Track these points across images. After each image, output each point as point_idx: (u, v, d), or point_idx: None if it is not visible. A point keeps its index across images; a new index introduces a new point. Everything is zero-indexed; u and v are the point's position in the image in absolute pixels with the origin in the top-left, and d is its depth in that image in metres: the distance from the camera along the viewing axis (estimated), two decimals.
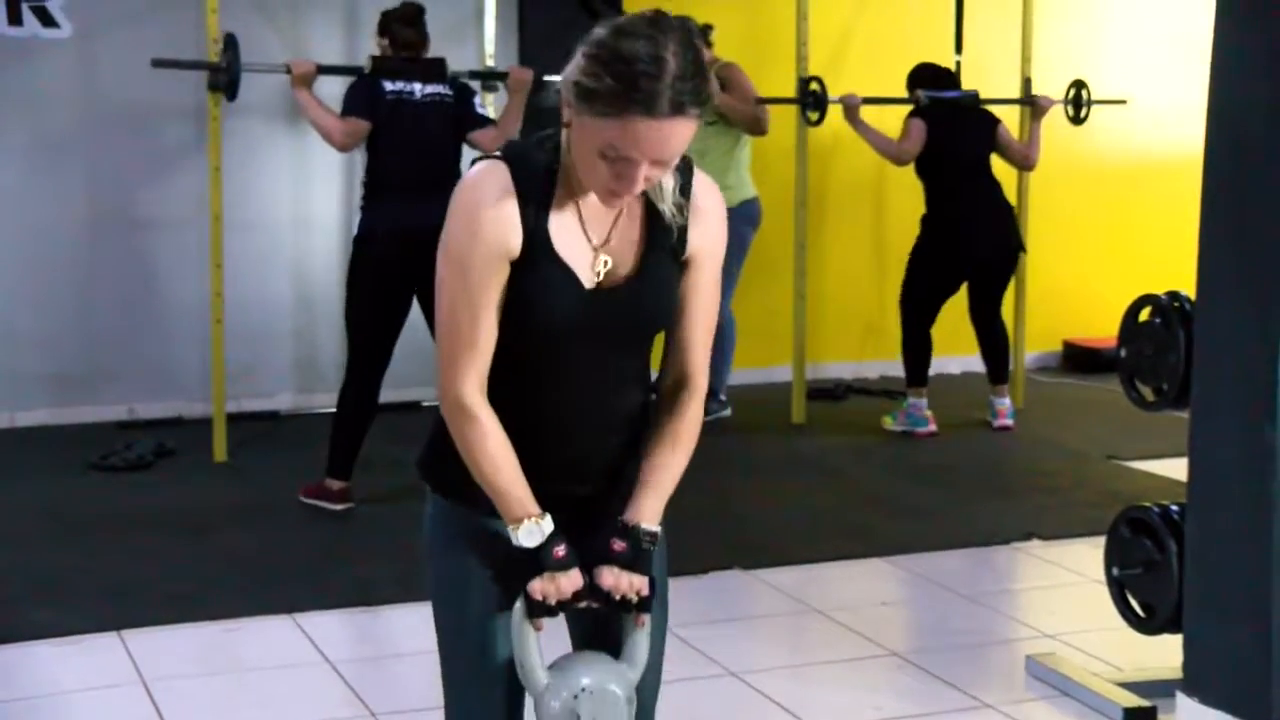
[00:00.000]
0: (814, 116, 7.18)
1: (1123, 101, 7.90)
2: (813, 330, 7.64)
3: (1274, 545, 3.54)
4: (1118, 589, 4.02)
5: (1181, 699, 3.76)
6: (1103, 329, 7.91)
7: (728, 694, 4.02)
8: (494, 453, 2.30)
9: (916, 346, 7.02)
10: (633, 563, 2.33)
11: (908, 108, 7.04)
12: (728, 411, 7.16)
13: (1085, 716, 3.89)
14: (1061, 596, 4.89)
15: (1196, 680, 3.74)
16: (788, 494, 6.02)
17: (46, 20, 6.83)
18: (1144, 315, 3.93)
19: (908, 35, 8.19)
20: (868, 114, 7.04)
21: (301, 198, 7.32)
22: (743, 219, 7.03)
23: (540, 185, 2.28)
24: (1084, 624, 4.48)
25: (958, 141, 6.96)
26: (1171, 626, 3.85)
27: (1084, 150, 8.44)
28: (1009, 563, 5.29)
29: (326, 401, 6.16)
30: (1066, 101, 7.58)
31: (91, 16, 6.86)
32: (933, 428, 7.00)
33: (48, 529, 5.39)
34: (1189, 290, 3.81)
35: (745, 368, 7.68)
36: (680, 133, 2.18)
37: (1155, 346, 3.86)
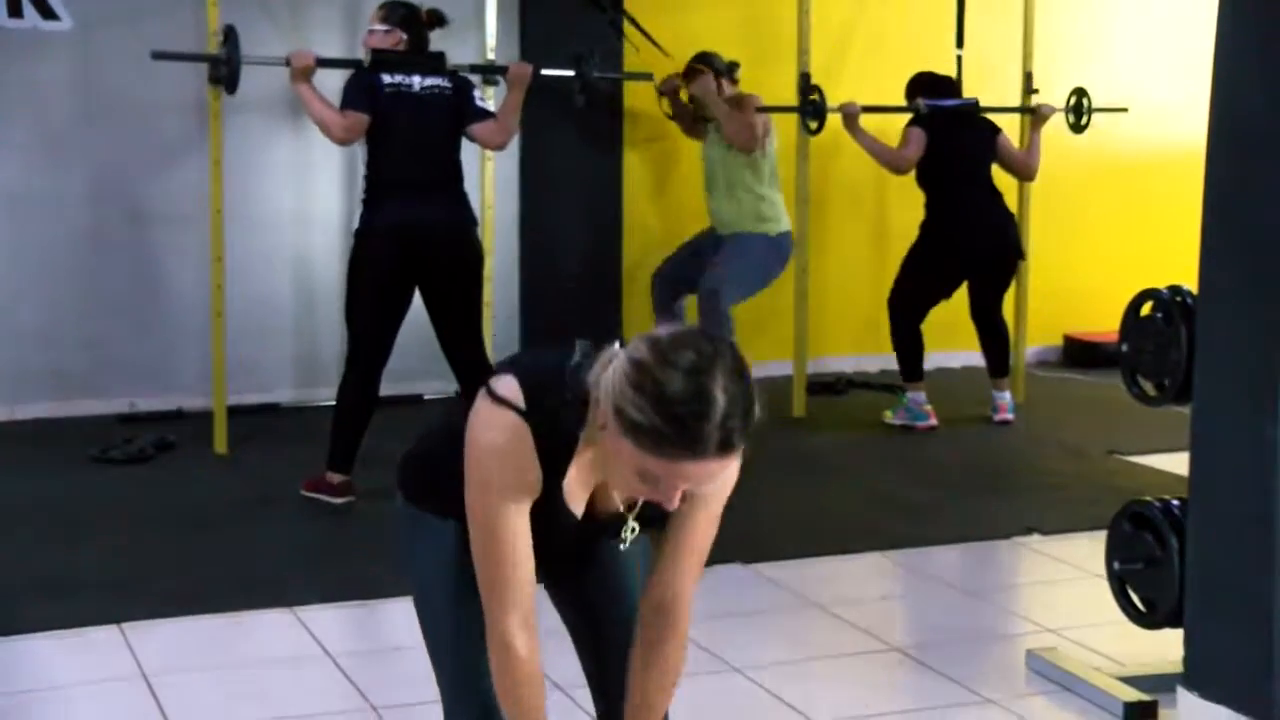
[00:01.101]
0: (813, 125, 7.18)
1: (1124, 109, 7.90)
2: (813, 324, 7.64)
3: (1275, 540, 3.54)
4: (1119, 584, 4.02)
5: (1182, 694, 3.76)
6: (1103, 323, 7.90)
7: (729, 689, 4.01)
8: (524, 696, 2.32)
9: (907, 343, 7.02)
10: None
11: (907, 115, 7.05)
12: None
13: (1086, 711, 3.88)
14: (1062, 591, 4.89)
15: (1198, 675, 3.74)
16: (788, 489, 6.02)
17: (47, 13, 6.82)
18: (1146, 310, 3.93)
19: (910, 31, 8.19)
20: (867, 121, 7.03)
21: (302, 192, 7.32)
22: (777, 252, 6.96)
23: (562, 451, 2.28)
24: (1085, 619, 4.47)
25: (958, 150, 6.96)
26: (1173, 621, 3.85)
27: (1085, 145, 8.38)
28: (1010, 558, 5.29)
29: (327, 395, 6.16)
30: (1067, 110, 7.58)
31: (92, 9, 6.86)
32: (933, 422, 7.00)
33: (48, 522, 5.39)
34: (1191, 285, 3.81)
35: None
36: (726, 466, 2.16)
37: (1157, 341, 3.86)
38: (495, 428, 2.24)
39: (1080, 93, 7.57)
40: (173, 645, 4.28)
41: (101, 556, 5.02)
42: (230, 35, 6.05)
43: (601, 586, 2.53)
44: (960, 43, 7.79)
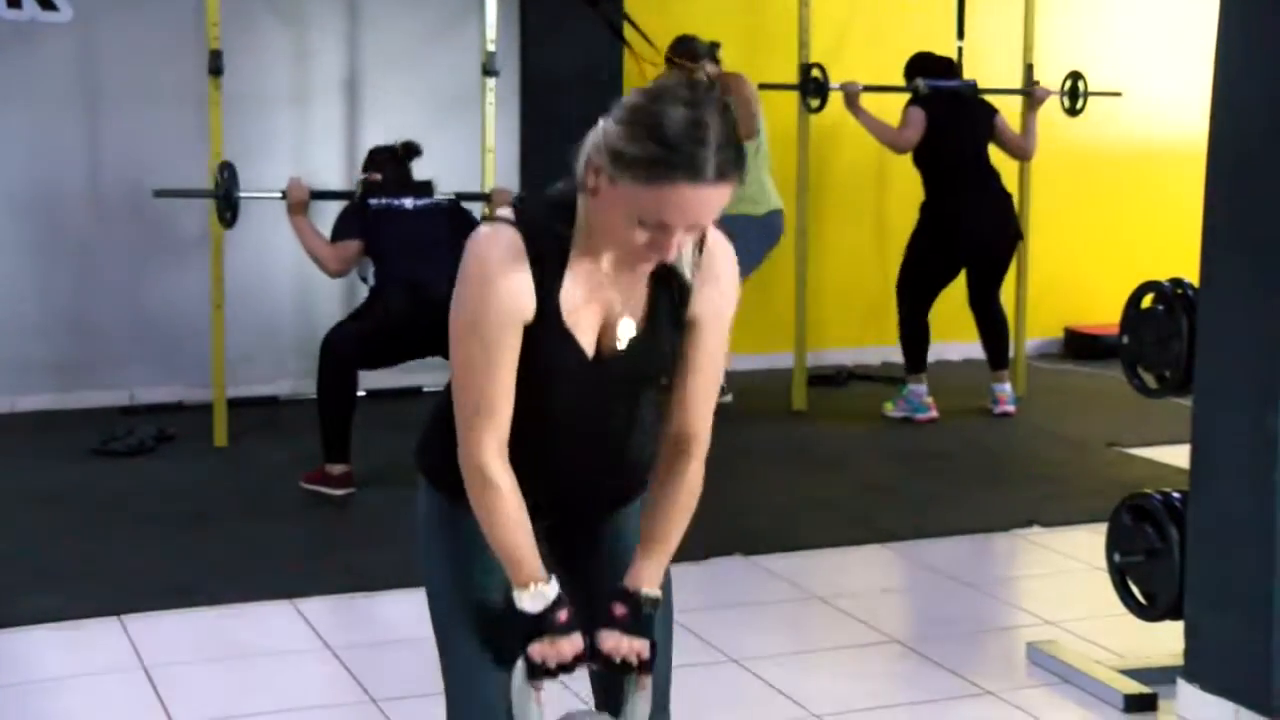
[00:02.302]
0: (815, 103, 7.16)
1: (1118, 94, 7.88)
2: (814, 316, 7.64)
3: (1276, 533, 3.54)
4: (1119, 576, 4.02)
5: (1182, 686, 3.77)
6: (1104, 315, 7.92)
7: (729, 680, 4.02)
8: (508, 518, 2.30)
9: (914, 333, 7.01)
10: (633, 627, 2.35)
11: (907, 96, 7.04)
12: (729, 398, 7.15)
13: (1086, 703, 3.88)
14: (1062, 584, 4.89)
15: (1197, 667, 3.75)
16: (788, 480, 6.02)
17: (46, 4, 6.81)
18: (1147, 302, 3.93)
19: (910, 21, 8.18)
20: (868, 101, 7.03)
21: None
22: (765, 231, 6.99)
23: (554, 254, 2.26)
24: (1085, 611, 4.47)
25: (956, 130, 6.95)
26: (1173, 614, 3.86)
27: (1084, 137, 8.42)
28: (1010, 550, 5.29)
29: None
30: (1063, 93, 7.56)
31: (97, 3, 6.84)
32: (933, 414, 7.00)
33: (49, 514, 5.39)
34: (1191, 277, 3.81)
35: (746, 354, 7.67)
36: (721, 198, 2.17)
37: (1158, 333, 3.86)
38: (484, 239, 2.26)
39: (1076, 76, 7.54)
40: (172, 637, 4.29)
41: (101, 548, 5.02)
42: (227, 169, 6.05)
43: (601, 576, 2.51)
44: (961, 34, 7.78)
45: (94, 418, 6.76)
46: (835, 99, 7.08)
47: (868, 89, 7.02)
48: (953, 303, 7.16)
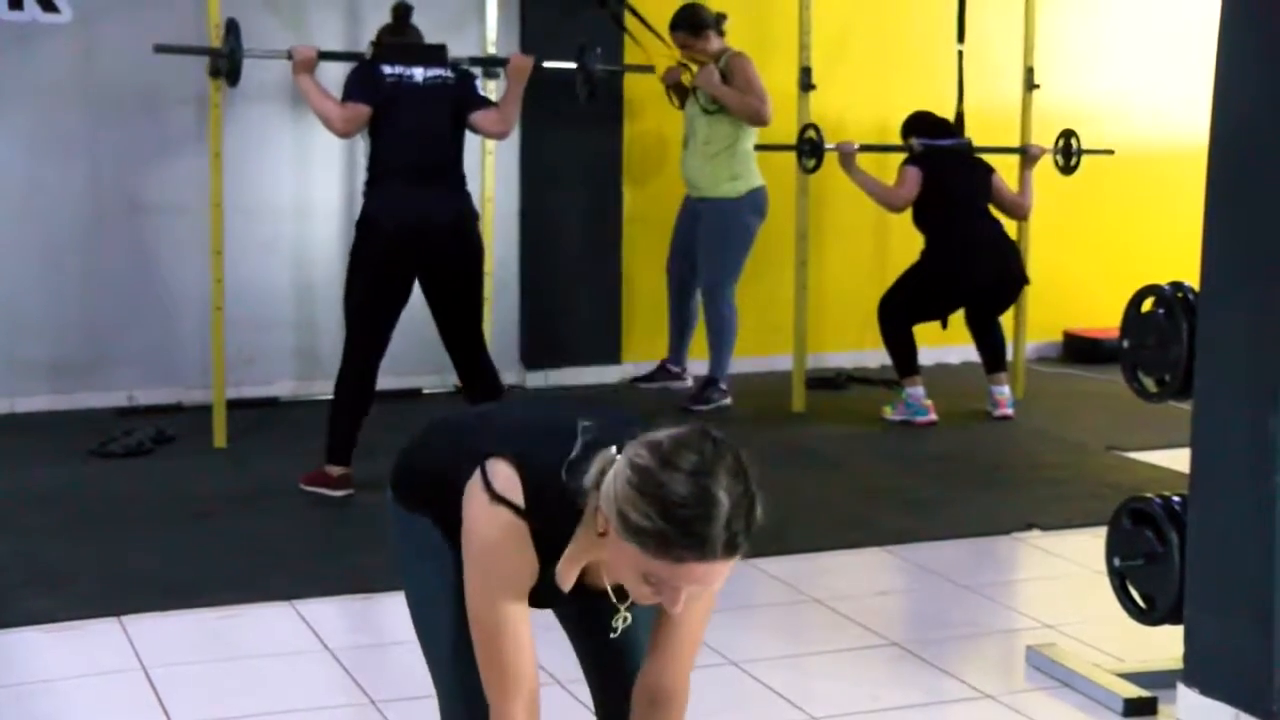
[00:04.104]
0: (810, 164, 7.15)
1: (1110, 151, 7.88)
2: (814, 320, 7.64)
3: (1276, 537, 3.53)
4: (1119, 580, 4.02)
5: (1182, 690, 3.76)
6: (1103, 319, 7.91)
7: (728, 683, 4.01)
8: None
9: (899, 344, 7.02)
10: None
11: (902, 152, 7.10)
12: (729, 400, 7.17)
13: (1085, 707, 3.88)
14: (1061, 587, 4.89)
15: (1197, 671, 3.74)
16: (787, 483, 6.00)
17: (47, 5, 6.82)
18: (1147, 306, 3.93)
19: (911, 25, 8.18)
20: (864, 158, 7.05)
21: (302, 184, 7.32)
22: (749, 208, 7.08)
23: (556, 546, 2.29)
24: (1084, 615, 4.48)
25: (954, 186, 7.01)
26: (1172, 618, 3.85)
27: (1084, 142, 8.43)
28: (1009, 553, 5.29)
29: (326, 389, 6.12)
30: (1056, 150, 7.56)
31: (92, 1, 6.85)
32: (932, 417, 7.00)
33: (47, 515, 5.38)
34: (1191, 280, 3.80)
35: (746, 356, 7.67)
36: (729, 567, 2.16)
37: (1158, 337, 3.85)
38: (494, 526, 2.27)
39: (1069, 134, 7.55)
40: (171, 638, 4.29)
41: (100, 549, 5.02)
42: (232, 28, 6.05)
43: (614, 662, 2.53)
44: (961, 37, 7.77)
45: (92, 419, 6.77)
46: (835, 99, 7.10)
47: (863, 149, 7.08)
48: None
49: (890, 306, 7.04)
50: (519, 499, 2.26)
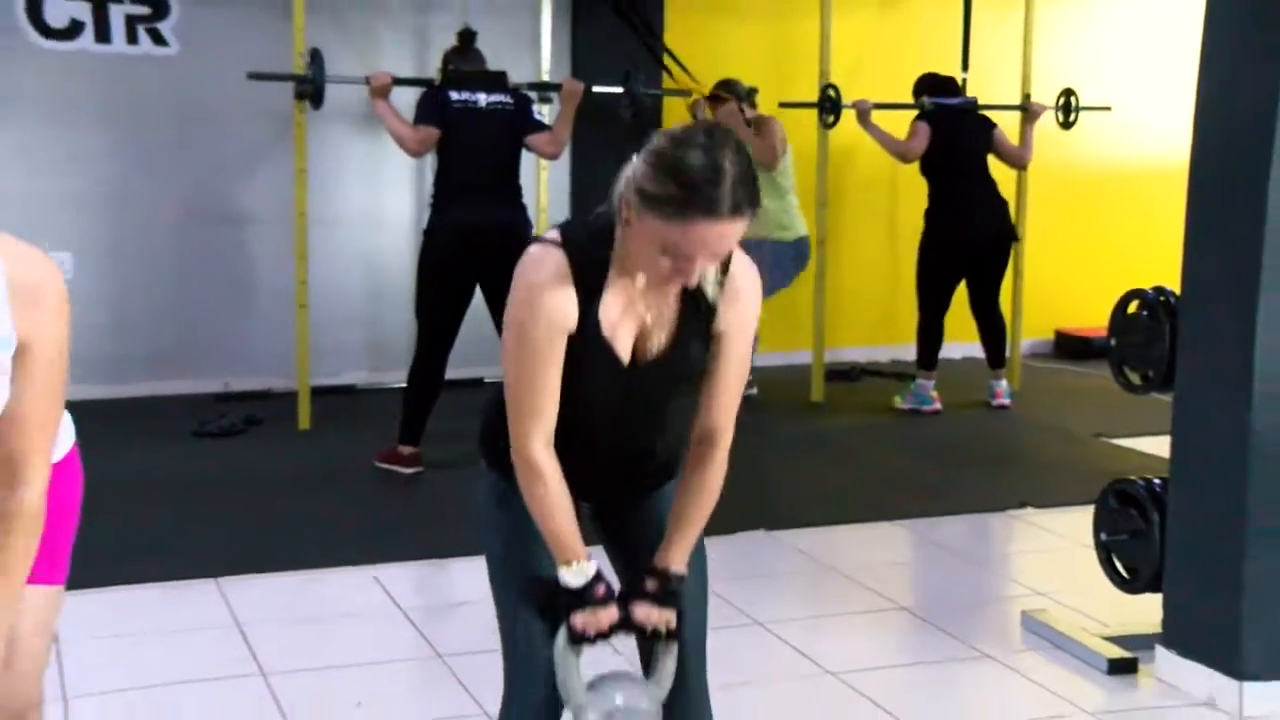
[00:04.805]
0: (830, 119, 7.17)
1: (1108, 108, 7.84)
2: (831, 318, 7.62)
3: (1247, 517, 3.53)
4: (1105, 553, 4.02)
5: (1161, 651, 3.77)
6: (1092, 319, 7.87)
7: (754, 642, 4.03)
8: (553, 503, 2.32)
9: (930, 333, 7.00)
10: (662, 599, 2.37)
11: (914, 112, 7.05)
12: (754, 391, 7.15)
13: (1074, 667, 3.88)
14: (1053, 559, 4.87)
15: (1174, 635, 3.75)
16: (807, 465, 6.03)
17: (158, 40, 6.89)
18: (1132, 308, 3.92)
19: (919, 47, 8.15)
20: (879, 118, 7.03)
21: (375, 197, 7.35)
22: (794, 255, 7.02)
23: (595, 274, 2.28)
24: (1073, 584, 4.46)
25: (958, 142, 6.95)
26: (1152, 587, 3.85)
27: (1073, 156, 8.40)
28: (1006, 528, 5.27)
29: (396, 378, 6.20)
30: (1057, 108, 7.54)
31: (195, 36, 6.92)
32: (937, 406, 6.99)
33: (152, 489, 5.42)
34: (1173, 285, 3.80)
35: (769, 351, 7.66)
36: (737, 230, 2.18)
37: (1143, 336, 3.84)
38: (534, 260, 2.28)
39: (1069, 92, 7.51)
40: (262, 598, 4.32)
41: (200, 519, 5.06)
42: (316, 57, 6.09)
43: (639, 552, 2.52)
44: (965, 65, 7.76)
45: (191, 404, 6.81)
46: (849, 121, 7.08)
47: (878, 106, 7.04)
48: (956, 307, 7.14)
49: (921, 288, 7.00)
50: (557, 238, 2.29)
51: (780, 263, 6.93)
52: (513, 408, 2.32)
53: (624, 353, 2.32)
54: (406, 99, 5.96)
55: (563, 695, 2.37)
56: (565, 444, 2.33)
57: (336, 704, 3.58)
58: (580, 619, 2.33)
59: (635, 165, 2.19)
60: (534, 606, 2.42)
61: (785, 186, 6.99)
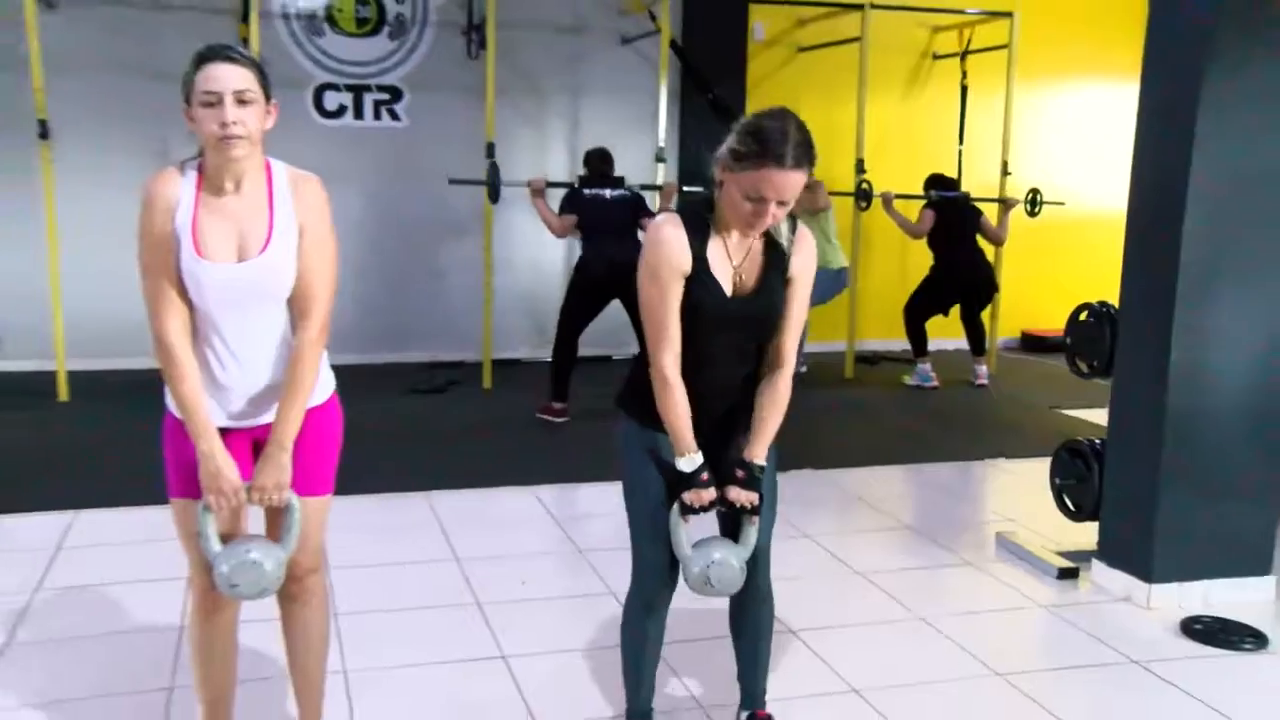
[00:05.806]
0: (863, 205, 7.06)
1: (1061, 203, 7.66)
2: (859, 317, 7.54)
3: (1160, 469, 3.47)
4: (1058, 493, 3.96)
5: (1095, 563, 3.72)
6: (1050, 323, 7.72)
7: (801, 549, 4.02)
8: (677, 405, 2.31)
9: (915, 333, 6.93)
10: (748, 484, 2.35)
11: (922, 199, 6.95)
12: (804, 369, 7.13)
13: (1033, 573, 3.83)
14: (1019, 496, 4.79)
15: (1106, 551, 3.70)
16: (842, 423, 5.98)
17: (394, 116, 6.98)
18: (1083, 316, 3.86)
19: (929, 131, 8.05)
20: (897, 204, 6.93)
21: (536, 251, 7.33)
22: (837, 281, 6.89)
23: (702, 230, 2.28)
24: (1034, 513, 4.39)
25: (955, 224, 6.86)
26: (1092, 518, 3.80)
27: (1038, 219, 8.21)
28: (984, 472, 5.20)
29: (549, 354, 6.21)
30: (1026, 202, 7.37)
31: (421, 115, 6.96)
32: (936, 384, 6.89)
33: (379, 430, 5.45)
34: (1113, 299, 3.73)
35: (816, 341, 7.62)
36: (798, 181, 2.17)
37: (1090, 336, 3.79)
38: (659, 224, 2.28)
39: (1035, 191, 7.35)
40: (457, 508, 4.36)
41: (414, 452, 5.11)
42: (494, 168, 6.09)
43: (728, 460, 2.43)
44: (961, 140, 7.61)
45: (408, 370, 6.90)
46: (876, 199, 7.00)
47: (898, 197, 6.93)
48: (949, 316, 7.04)
49: (911, 308, 6.93)
50: (675, 211, 2.31)
51: (825, 283, 6.88)
52: (650, 333, 2.29)
53: (726, 286, 2.30)
54: (562, 163, 5.96)
55: (675, 551, 2.35)
56: (686, 370, 2.31)
57: (508, 582, 3.62)
58: (689, 495, 2.32)
59: (726, 140, 2.20)
60: (653, 513, 2.37)
61: (829, 231, 6.93)
